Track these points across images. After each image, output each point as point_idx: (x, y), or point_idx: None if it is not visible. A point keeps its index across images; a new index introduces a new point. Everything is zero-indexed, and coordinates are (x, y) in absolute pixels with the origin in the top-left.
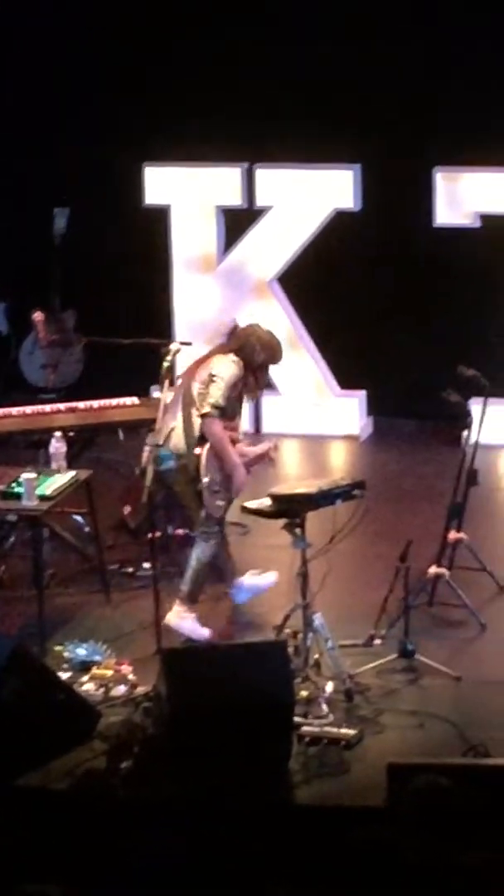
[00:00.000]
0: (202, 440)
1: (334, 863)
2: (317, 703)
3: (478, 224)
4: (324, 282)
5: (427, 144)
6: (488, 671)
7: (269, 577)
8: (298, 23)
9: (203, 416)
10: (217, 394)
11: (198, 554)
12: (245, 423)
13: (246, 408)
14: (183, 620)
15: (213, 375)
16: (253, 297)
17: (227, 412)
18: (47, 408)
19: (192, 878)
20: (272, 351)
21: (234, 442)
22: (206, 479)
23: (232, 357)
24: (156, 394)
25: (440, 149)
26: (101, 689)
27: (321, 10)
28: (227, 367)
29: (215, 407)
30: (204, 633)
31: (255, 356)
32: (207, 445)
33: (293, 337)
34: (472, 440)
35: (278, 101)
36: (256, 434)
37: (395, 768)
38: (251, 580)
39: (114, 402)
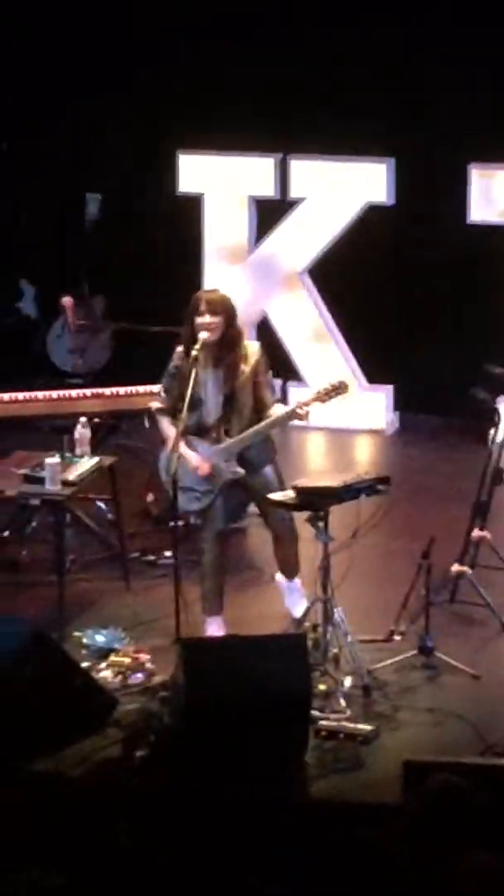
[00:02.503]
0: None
1: (344, 860)
2: (334, 697)
3: None
4: (354, 275)
5: (462, 140)
6: None
7: (301, 604)
8: (336, 17)
9: None
10: None
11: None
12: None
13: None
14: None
15: None
16: (283, 288)
17: (181, 402)
18: (73, 393)
19: (200, 872)
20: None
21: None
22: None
23: None
24: None
25: (475, 145)
26: (119, 677)
27: (361, 6)
28: None
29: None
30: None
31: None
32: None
33: (321, 329)
34: (499, 438)
35: (314, 93)
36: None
37: (411, 766)
38: (291, 589)
39: (140, 389)
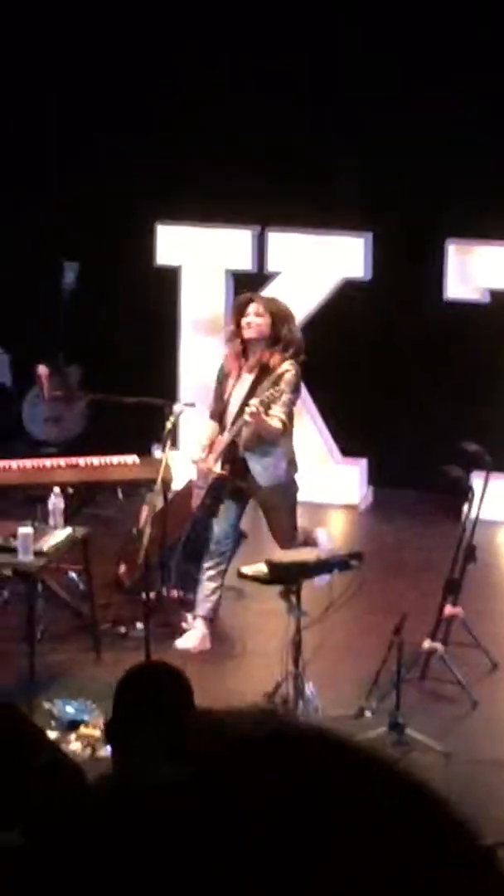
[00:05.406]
0: None
1: None
2: None
3: (487, 299)
4: (329, 349)
5: (440, 216)
6: (478, 749)
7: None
8: (316, 90)
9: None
10: None
11: None
12: None
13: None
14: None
15: None
16: None
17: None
18: (47, 463)
19: None
20: None
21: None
22: None
23: None
24: (157, 453)
25: (453, 221)
26: (88, 749)
27: (339, 80)
28: None
29: None
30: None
31: None
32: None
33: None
34: (472, 515)
35: (292, 166)
36: None
37: None
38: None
39: (114, 460)
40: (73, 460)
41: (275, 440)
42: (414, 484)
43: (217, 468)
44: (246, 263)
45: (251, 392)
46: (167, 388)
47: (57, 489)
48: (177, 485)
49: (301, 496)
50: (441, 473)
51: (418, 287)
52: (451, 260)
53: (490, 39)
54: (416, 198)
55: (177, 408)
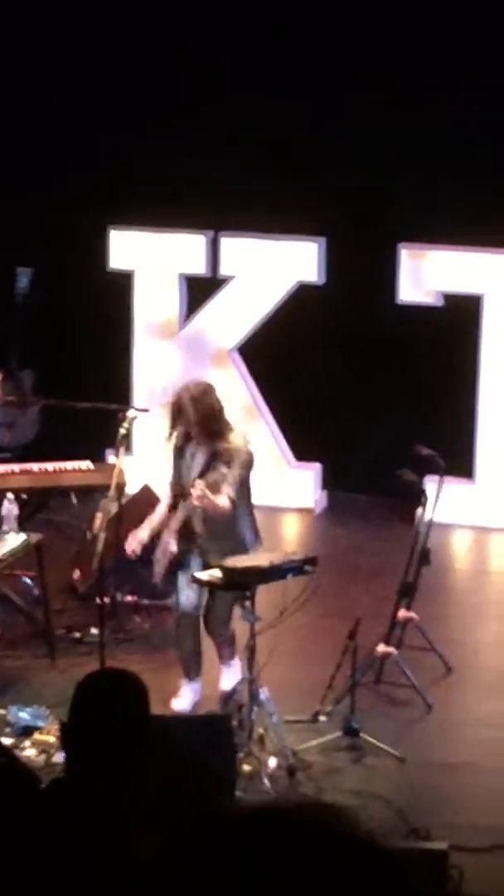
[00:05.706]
0: None
1: None
2: (259, 778)
3: (440, 303)
4: (284, 353)
5: (392, 220)
6: (433, 753)
7: (230, 678)
8: (270, 95)
9: None
10: None
11: None
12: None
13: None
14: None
15: None
16: (213, 365)
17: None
18: (0, 468)
19: None
20: None
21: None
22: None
23: None
24: (111, 458)
25: (406, 226)
26: (43, 755)
27: (293, 84)
28: None
29: None
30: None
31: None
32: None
33: (251, 407)
34: (426, 519)
35: (246, 171)
36: None
37: None
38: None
39: (68, 465)
40: (26, 466)
41: (225, 519)
42: (368, 488)
43: (174, 546)
44: (199, 268)
45: (207, 467)
46: (120, 392)
47: (10, 495)
48: (131, 489)
49: (256, 500)
50: (395, 477)
51: (371, 291)
52: (404, 263)
53: (439, 51)
54: (369, 203)
55: (130, 413)
